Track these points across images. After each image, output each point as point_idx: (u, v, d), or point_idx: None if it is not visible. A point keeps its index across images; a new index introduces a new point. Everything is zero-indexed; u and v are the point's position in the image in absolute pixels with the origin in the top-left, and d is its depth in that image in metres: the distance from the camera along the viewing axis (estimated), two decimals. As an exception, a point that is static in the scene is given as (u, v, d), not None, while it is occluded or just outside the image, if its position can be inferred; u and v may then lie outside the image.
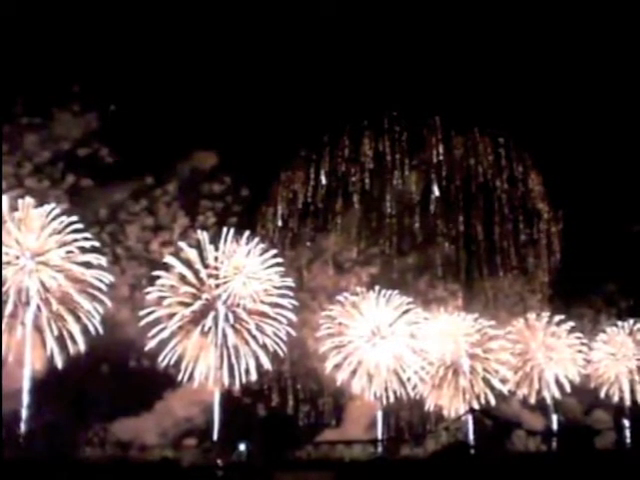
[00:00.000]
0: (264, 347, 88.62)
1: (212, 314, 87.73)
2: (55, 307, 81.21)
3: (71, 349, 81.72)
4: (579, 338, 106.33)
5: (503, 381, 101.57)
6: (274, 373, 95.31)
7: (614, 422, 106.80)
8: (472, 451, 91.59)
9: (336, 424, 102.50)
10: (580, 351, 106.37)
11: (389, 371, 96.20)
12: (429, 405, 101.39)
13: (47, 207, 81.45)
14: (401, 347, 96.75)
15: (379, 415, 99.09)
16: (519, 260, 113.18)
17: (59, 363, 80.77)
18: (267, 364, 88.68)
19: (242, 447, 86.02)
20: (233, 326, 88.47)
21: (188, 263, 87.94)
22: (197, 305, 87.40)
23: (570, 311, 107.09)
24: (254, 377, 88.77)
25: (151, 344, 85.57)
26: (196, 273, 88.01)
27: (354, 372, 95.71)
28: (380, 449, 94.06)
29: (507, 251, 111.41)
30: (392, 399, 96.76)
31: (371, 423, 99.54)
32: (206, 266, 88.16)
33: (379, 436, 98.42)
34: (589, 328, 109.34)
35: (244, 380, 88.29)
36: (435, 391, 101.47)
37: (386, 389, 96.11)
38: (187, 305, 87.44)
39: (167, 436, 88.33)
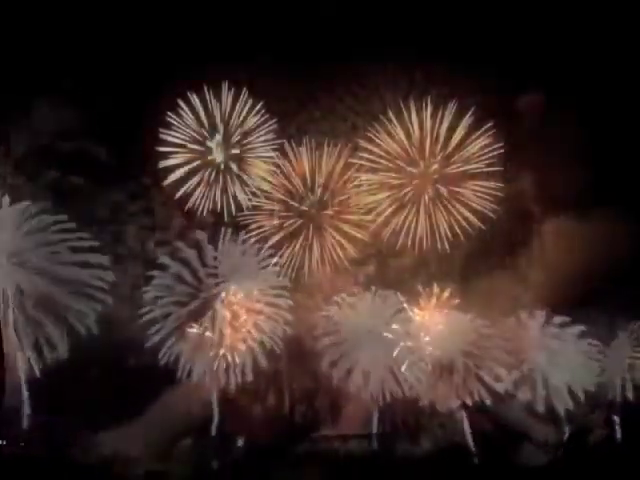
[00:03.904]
0: (262, 344, 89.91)
1: (209, 313, 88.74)
2: (39, 309, 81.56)
3: (69, 347, 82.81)
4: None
5: (498, 380, 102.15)
6: (271, 372, 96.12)
7: (605, 419, 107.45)
8: (468, 450, 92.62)
9: (332, 419, 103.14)
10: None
11: (385, 369, 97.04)
12: (423, 401, 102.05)
13: (24, 204, 79.77)
14: (397, 346, 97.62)
15: (374, 411, 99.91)
16: (514, 259, 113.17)
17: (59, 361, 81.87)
18: (264, 363, 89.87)
19: (239, 445, 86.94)
20: (231, 324, 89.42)
21: (185, 262, 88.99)
22: (193, 305, 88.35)
23: (565, 310, 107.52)
24: (251, 377, 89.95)
25: (149, 343, 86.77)
26: (194, 272, 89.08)
27: (350, 371, 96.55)
28: (375, 445, 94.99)
29: (502, 250, 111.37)
30: (388, 396, 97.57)
31: (367, 418, 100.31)
32: (204, 265, 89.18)
33: (374, 431, 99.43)
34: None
35: (240, 380, 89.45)
36: (429, 387, 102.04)
37: (382, 388, 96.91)
38: (184, 304, 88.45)
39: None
